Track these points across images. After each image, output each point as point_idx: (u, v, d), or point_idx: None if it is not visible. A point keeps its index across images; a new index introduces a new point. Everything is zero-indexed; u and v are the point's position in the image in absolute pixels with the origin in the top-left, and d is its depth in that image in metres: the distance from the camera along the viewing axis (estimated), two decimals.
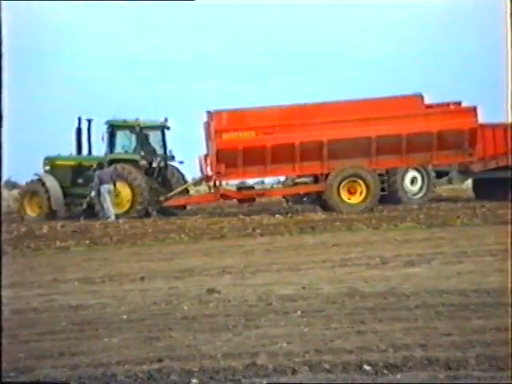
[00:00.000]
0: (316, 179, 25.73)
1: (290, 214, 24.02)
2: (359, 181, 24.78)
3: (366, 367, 6.46)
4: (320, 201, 25.65)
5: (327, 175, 24.80)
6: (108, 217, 24.40)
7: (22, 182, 27.78)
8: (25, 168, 27.99)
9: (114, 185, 24.84)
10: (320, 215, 23.52)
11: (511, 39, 6.18)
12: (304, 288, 10.60)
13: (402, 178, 27.14)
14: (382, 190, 25.55)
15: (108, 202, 24.70)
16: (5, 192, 43.52)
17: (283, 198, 29.36)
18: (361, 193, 24.86)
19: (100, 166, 25.39)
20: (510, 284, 9.08)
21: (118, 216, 24.43)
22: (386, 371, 6.40)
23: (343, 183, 24.71)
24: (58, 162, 26.64)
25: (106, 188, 24.75)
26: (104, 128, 25.84)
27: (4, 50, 5.59)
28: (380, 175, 25.65)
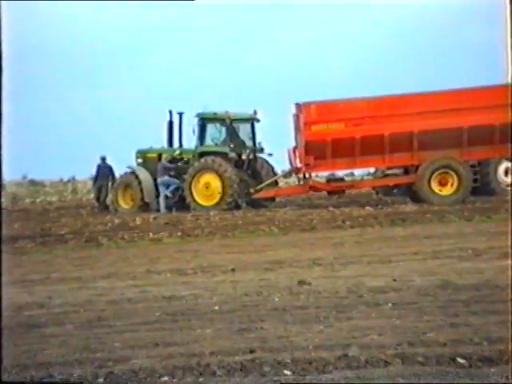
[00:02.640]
0: (406, 171, 25.47)
1: (380, 206, 23.85)
2: (451, 172, 24.42)
3: (460, 360, 6.39)
4: (410, 192, 25.39)
5: (417, 166, 24.52)
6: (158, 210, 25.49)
7: (116, 174, 28.28)
8: (119, 161, 28.56)
9: (170, 176, 25.70)
10: (411, 207, 23.29)
11: (511, 39, 6.06)
12: (395, 280, 10.53)
13: (495, 169, 26.61)
14: (475, 181, 25.15)
15: (161, 195, 25.59)
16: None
17: (373, 189, 29.15)
18: (452, 184, 24.51)
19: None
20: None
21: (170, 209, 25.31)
22: (480, 364, 6.32)
23: (434, 174, 24.40)
24: (150, 155, 27.04)
25: (158, 181, 25.68)
26: (195, 121, 26.14)
27: (4, 50, 5.64)
28: (472, 166, 25.24)
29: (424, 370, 6.22)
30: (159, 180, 25.86)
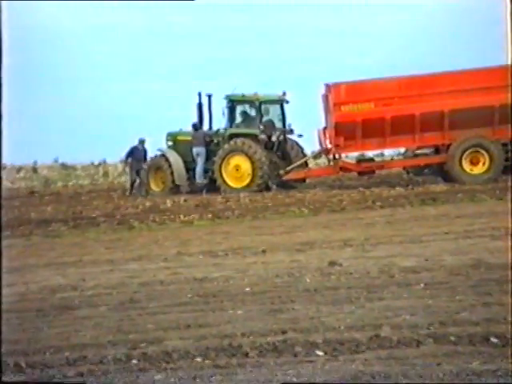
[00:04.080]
0: (437, 150, 25.30)
1: (410, 186, 23.74)
2: (482, 151, 24.24)
3: (493, 339, 6.36)
4: (441, 172, 25.24)
5: (448, 146, 24.35)
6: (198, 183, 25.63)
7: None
8: (149, 144, 28.55)
9: (206, 148, 25.68)
10: (441, 186, 23.16)
11: (511, 39, 6.00)
12: (427, 260, 10.50)
13: None
14: (506, 160, 24.93)
15: (199, 166, 25.57)
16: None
17: (403, 169, 29.01)
18: (484, 163, 24.32)
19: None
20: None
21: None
22: None
23: (465, 154, 24.23)
24: (180, 138, 27.03)
25: (194, 151, 25.66)
26: (224, 103, 26.12)
27: (4, 49, 5.63)
28: (504, 145, 25.01)
29: (456, 349, 6.20)
30: (197, 150, 25.79)
